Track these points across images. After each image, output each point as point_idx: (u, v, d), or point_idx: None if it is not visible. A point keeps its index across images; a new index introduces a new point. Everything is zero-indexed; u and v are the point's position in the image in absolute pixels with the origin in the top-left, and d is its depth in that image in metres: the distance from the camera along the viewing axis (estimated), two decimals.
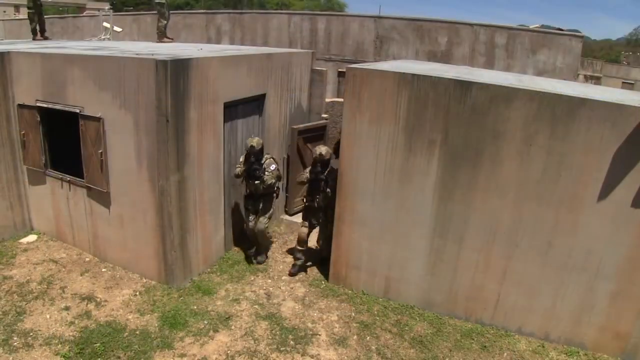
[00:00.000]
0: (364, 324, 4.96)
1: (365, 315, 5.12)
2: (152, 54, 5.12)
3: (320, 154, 5.44)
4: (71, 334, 4.50)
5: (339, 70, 13.05)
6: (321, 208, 5.67)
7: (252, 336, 4.66)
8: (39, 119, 5.74)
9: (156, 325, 4.71)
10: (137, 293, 5.21)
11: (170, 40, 9.10)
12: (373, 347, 4.62)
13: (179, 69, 4.72)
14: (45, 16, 9.67)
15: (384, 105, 4.83)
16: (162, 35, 8.75)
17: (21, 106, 5.84)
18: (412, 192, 4.95)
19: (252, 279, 5.71)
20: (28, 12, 9.13)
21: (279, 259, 6.25)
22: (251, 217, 5.87)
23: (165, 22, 8.82)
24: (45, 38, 9.24)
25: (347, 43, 13.56)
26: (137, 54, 5.18)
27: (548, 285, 4.70)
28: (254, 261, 6.08)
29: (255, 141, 5.45)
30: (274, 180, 5.63)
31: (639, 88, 26.65)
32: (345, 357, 4.48)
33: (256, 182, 5.51)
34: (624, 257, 4.38)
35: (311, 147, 7.35)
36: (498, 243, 4.76)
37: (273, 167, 5.61)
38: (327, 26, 13.77)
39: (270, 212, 5.90)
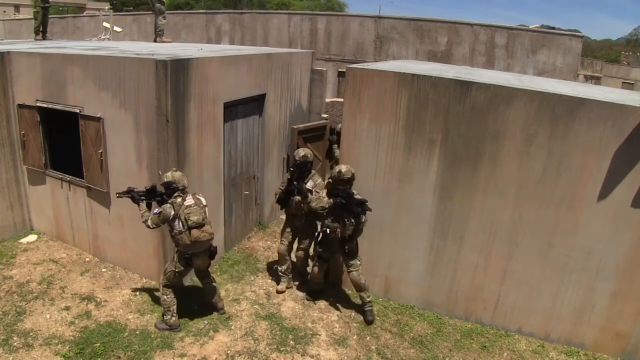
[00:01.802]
0: (364, 324, 4.96)
1: None
2: (152, 54, 5.12)
3: (340, 172, 4.60)
4: (71, 334, 4.50)
5: (339, 70, 13.09)
6: (344, 239, 4.77)
7: (252, 336, 4.66)
8: (39, 119, 5.73)
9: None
10: (137, 293, 5.21)
11: (169, 40, 9.10)
12: (373, 347, 4.62)
13: (179, 68, 4.72)
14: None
15: (384, 105, 4.83)
16: (162, 34, 8.74)
17: (21, 106, 5.83)
18: (412, 192, 4.95)
19: (252, 279, 5.70)
20: (34, 10, 9.14)
21: None
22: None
23: (165, 20, 8.81)
24: (45, 38, 9.25)
25: (347, 43, 13.58)
26: (137, 54, 5.18)
27: (548, 285, 4.70)
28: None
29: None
30: (151, 225, 4.37)
31: (639, 88, 26.65)
32: (345, 357, 4.48)
33: None
34: (624, 256, 4.39)
35: (311, 148, 7.35)
36: (498, 243, 4.76)
37: (156, 210, 4.35)
38: (327, 26, 13.78)
39: (166, 272, 4.52)
